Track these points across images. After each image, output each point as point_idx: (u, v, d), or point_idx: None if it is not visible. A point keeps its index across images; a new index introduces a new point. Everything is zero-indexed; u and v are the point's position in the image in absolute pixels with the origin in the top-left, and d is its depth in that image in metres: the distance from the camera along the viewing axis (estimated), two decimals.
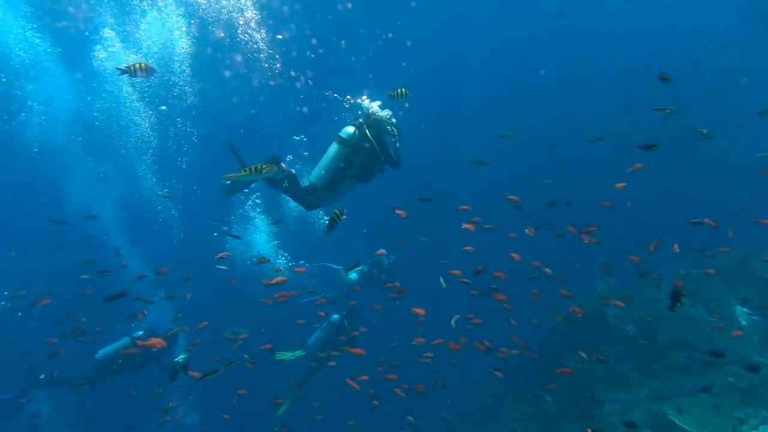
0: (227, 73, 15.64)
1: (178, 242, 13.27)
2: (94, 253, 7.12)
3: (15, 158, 15.26)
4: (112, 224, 13.41)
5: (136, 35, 10.75)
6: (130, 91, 11.09)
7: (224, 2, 10.48)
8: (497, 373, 6.54)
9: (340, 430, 10.73)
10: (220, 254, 6.77)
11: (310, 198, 6.04)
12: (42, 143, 13.36)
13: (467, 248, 6.87)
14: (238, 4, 10.45)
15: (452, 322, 6.50)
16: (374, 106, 5.88)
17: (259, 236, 11.59)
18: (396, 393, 6.64)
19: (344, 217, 4.09)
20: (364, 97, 6.02)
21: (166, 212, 12.89)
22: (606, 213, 6.71)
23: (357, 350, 6.00)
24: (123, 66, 4.29)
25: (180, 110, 12.31)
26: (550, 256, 7.28)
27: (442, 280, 6.67)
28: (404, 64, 19.32)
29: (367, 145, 5.70)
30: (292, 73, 15.36)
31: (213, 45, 13.35)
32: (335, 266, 9.91)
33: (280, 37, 14.29)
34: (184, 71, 11.30)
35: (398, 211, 5.48)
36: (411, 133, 6.45)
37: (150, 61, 10.63)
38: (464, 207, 6.24)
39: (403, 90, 5.00)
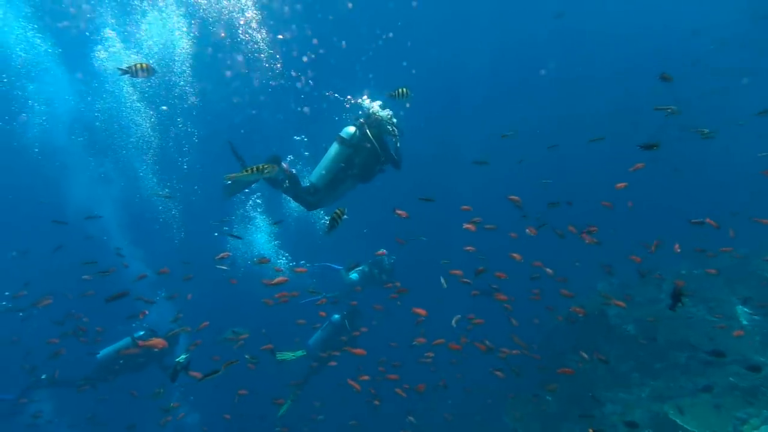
0: (228, 74, 15.64)
1: (179, 242, 13.28)
2: (95, 253, 7.12)
3: (16, 158, 15.28)
4: (113, 224, 13.42)
5: (137, 36, 10.76)
6: (130, 92, 11.10)
7: (225, 2, 10.49)
8: (498, 373, 6.54)
9: (341, 430, 10.74)
10: (221, 254, 6.77)
11: (310, 198, 6.03)
12: (43, 143, 13.37)
13: (468, 248, 6.87)
14: (238, 5, 10.45)
15: (453, 322, 6.50)
16: (375, 106, 5.88)
17: (259, 236, 11.60)
18: (397, 393, 6.64)
19: (345, 216, 4.09)
20: (365, 97, 6.02)
21: (167, 212, 12.90)
22: (607, 213, 6.71)
23: (358, 350, 6.00)
24: (124, 66, 4.29)
25: (181, 110, 12.32)
26: (551, 256, 7.27)
27: (443, 280, 6.66)
28: (405, 63, 19.32)
29: (369, 145, 5.69)
30: (293, 74, 15.37)
31: (214, 45, 13.36)
32: (336, 266, 9.91)
33: (280, 37, 14.29)
34: (185, 71, 11.31)
35: (399, 211, 5.48)
36: (412, 133, 6.45)
37: (151, 62, 10.63)
38: (465, 207, 6.24)
39: (404, 90, 5.00)
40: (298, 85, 15.40)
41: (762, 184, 15.46)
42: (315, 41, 16.48)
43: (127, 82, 10.94)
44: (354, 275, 9.49)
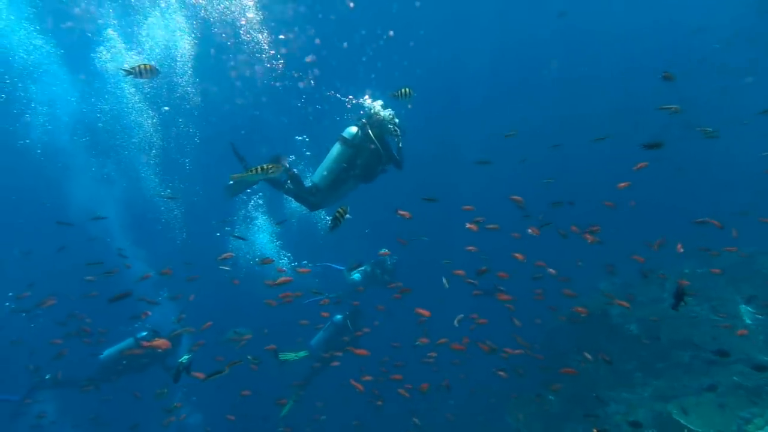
0: (233, 73, 15.65)
1: (181, 243, 13.30)
2: (98, 254, 7.13)
3: (19, 160, 15.32)
4: (115, 225, 13.44)
5: (139, 36, 10.78)
6: (132, 92, 11.12)
7: (226, 3, 10.50)
8: (501, 373, 6.53)
9: (343, 430, 10.74)
10: (224, 255, 6.77)
11: (312, 198, 6.03)
12: (45, 144, 13.40)
13: (470, 248, 6.87)
14: (240, 5, 10.46)
15: (455, 321, 6.49)
16: (376, 106, 5.87)
17: (261, 236, 11.60)
18: (400, 393, 6.64)
19: (347, 216, 4.08)
20: (366, 97, 6.01)
21: (169, 213, 12.92)
22: (609, 212, 6.69)
23: (361, 351, 6.00)
24: (128, 67, 4.30)
25: (183, 111, 12.34)
26: (553, 255, 7.25)
27: (444, 280, 6.66)
28: (406, 63, 19.31)
29: (372, 146, 5.68)
30: (294, 74, 15.37)
31: (215, 46, 13.37)
32: (338, 266, 9.91)
33: (282, 37, 14.30)
34: (187, 72, 11.33)
35: (401, 212, 5.47)
36: (413, 133, 6.43)
37: (153, 62, 10.65)
38: (467, 207, 6.23)
39: (407, 90, 4.98)
40: (301, 85, 15.41)
41: (766, 182, 15.42)
42: (317, 41, 16.48)
43: (129, 83, 10.95)
44: (356, 275, 9.49)
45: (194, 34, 10.98)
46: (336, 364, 7.74)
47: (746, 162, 17.37)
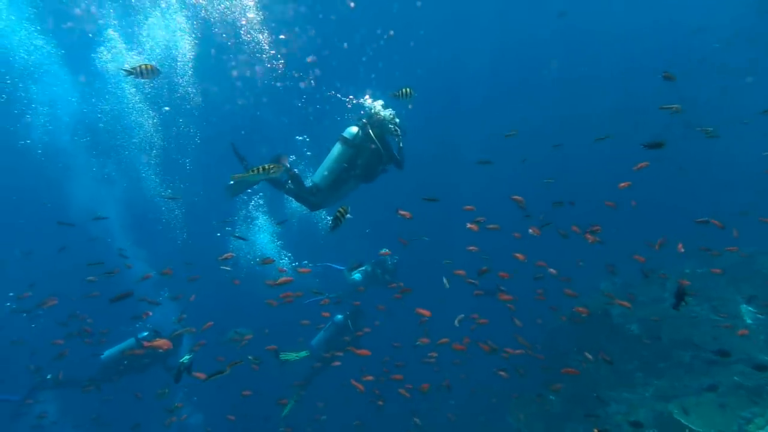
0: (234, 73, 15.66)
1: (182, 243, 13.30)
2: (98, 254, 7.14)
3: (20, 160, 15.33)
4: (116, 225, 13.45)
5: (141, 37, 10.78)
6: (133, 93, 11.13)
7: (227, 3, 10.50)
8: (502, 373, 6.53)
9: (344, 430, 10.74)
10: (225, 255, 6.77)
11: (313, 198, 6.03)
12: (46, 145, 13.41)
13: (471, 248, 6.87)
14: (240, 5, 10.46)
15: (456, 321, 6.49)
16: (377, 106, 5.87)
17: (262, 237, 11.60)
18: (400, 393, 6.64)
19: (348, 215, 4.08)
20: (367, 97, 6.01)
21: (170, 213, 12.93)
22: (610, 212, 6.69)
23: (362, 351, 6.00)
24: (129, 67, 4.30)
25: (183, 111, 12.34)
26: (554, 255, 7.26)
27: (445, 280, 6.66)
28: (407, 63, 19.30)
29: (373, 146, 5.68)
30: (295, 74, 15.38)
31: (216, 46, 13.38)
32: (338, 266, 9.91)
33: (282, 37, 14.31)
34: (187, 72, 11.33)
35: (402, 212, 5.47)
36: (414, 133, 6.44)
37: (153, 62, 10.65)
38: (468, 207, 6.23)
39: (408, 90, 4.98)
40: (302, 85, 15.42)
41: (766, 182, 15.41)
42: (319, 40, 16.49)
43: (130, 83, 10.96)
44: (357, 275, 9.50)
45: (195, 34, 10.98)
46: (337, 364, 7.74)
47: (747, 162, 17.38)
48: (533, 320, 9.36)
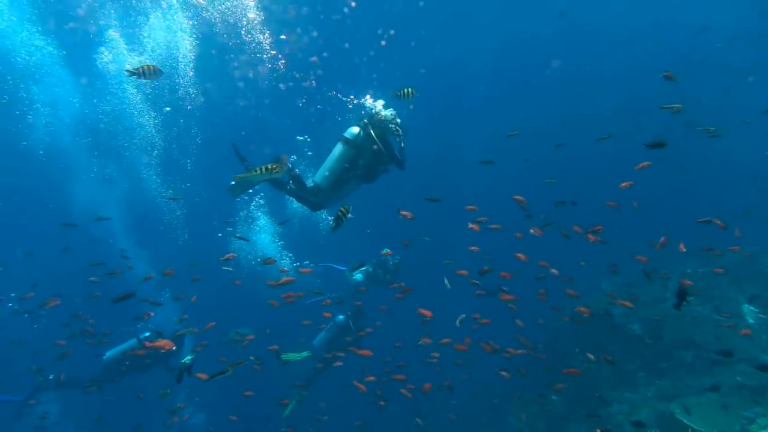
0: (236, 73, 15.67)
1: (183, 243, 13.32)
2: (100, 254, 7.15)
3: (21, 160, 15.35)
4: (117, 226, 13.47)
5: (141, 37, 10.79)
6: (134, 93, 11.14)
7: (228, 3, 10.51)
8: (504, 373, 6.53)
9: (346, 430, 10.75)
10: (226, 255, 6.78)
11: (314, 199, 6.03)
12: (48, 145, 13.43)
13: (473, 248, 6.86)
14: (241, 6, 10.47)
15: (457, 321, 6.49)
16: (378, 106, 5.87)
17: (263, 237, 11.61)
18: (402, 393, 6.64)
19: (350, 215, 4.08)
20: (368, 97, 6.01)
21: (172, 213, 12.94)
22: (612, 212, 6.68)
23: (364, 351, 5.99)
24: (132, 68, 4.31)
25: (184, 111, 12.35)
26: (556, 255, 7.25)
27: (446, 281, 6.65)
28: (408, 63, 19.30)
29: (375, 146, 5.67)
30: (295, 74, 15.38)
31: (217, 46, 13.38)
32: (339, 267, 9.92)
33: (283, 37, 14.32)
34: (188, 73, 11.34)
35: (404, 212, 5.46)
36: (415, 133, 6.43)
37: (155, 63, 10.66)
38: (470, 207, 6.22)
39: (409, 90, 4.98)
40: (305, 84, 15.42)
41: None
42: (320, 41, 16.49)
43: (131, 84, 10.97)
44: (358, 276, 9.50)
45: (195, 34, 10.99)
46: (338, 364, 7.74)
47: (749, 161, 17.36)
48: (535, 320, 9.36)
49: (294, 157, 8.81)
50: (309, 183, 6.03)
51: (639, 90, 19.00)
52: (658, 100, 6.16)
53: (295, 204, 6.68)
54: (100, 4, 11.51)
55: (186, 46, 10.96)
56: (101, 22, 11.41)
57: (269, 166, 3.97)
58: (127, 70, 4.35)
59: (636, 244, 7.77)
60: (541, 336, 10.11)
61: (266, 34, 10.92)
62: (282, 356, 8.13)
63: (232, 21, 10.76)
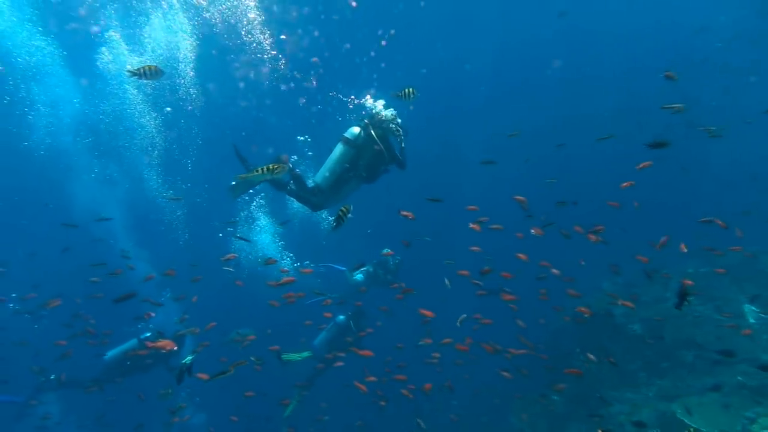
0: (238, 73, 15.67)
1: (184, 244, 13.32)
2: (101, 255, 7.15)
3: (22, 161, 15.37)
4: (118, 226, 13.47)
5: (142, 38, 10.80)
6: (135, 93, 11.15)
7: (228, 3, 10.51)
8: (505, 373, 6.52)
9: (347, 430, 10.75)
10: (227, 256, 6.78)
11: (314, 199, 6.02)
12: (48, 146, 13.44)
13: (474, 248, 6.86)
14: (242, 6, 10.47)
15: (458, 322, 6.49)
16: (379, 106, 5.87)
17: (264, 237, 11.62)
18: (403, 394, 6.63)
19: (350, 215, 4.08)
20: (368, 97, 6.01)
21: (172, 214, 12.94)
22: (613, 212, 6.68)
23: (365, 351, 5.99)
24: (134, 68, 4.31)
25: (185, 112, 12.36)
26: (557, 255, 7.25)
27: (447, 281, 6.66)
28: (409, 64, 19.29)
29: (376, 147, 5.67)
30: (296, 74, 15.39)
31: (217, 47, 13.39)
32: (339, 267, 9.92)
33: (283, 37, 14.32)
34: (188, 73, 11.35)
35: (405, 213, 5.46)
36: (416, 133, 6.43)
37: (156, 63, 10.65)
38: (471, 207, 6.22)
39: (411, 90, 4.97)
40: (306, 85, 15.42)
41: None
42: (322, 41, 16.49)
43: (132, 84, 10.98)
44: (359, 276, 9.50)
45: (196, 35, 11.00)
46: (339, 364, 7.75)
47: (749, 161, 17.34)
48: (536, 320, 9.35)
49: (295, 157, 8.81)
50: (309, 183, 6.03)
51: (639, 90, 18.98)
52: (659, 100, 6.15)
53: (296, 204, 6.68)
54: (101, 4, 11.52)
55: (186, 47, 10.97)
56: (102, 23, 11.42)
57: (271, 166, 3.97)
58: (129, 71, 4.35)
59: (637, 244, 7.77)
60: (543, 336, 10.11)
61: (267, 35, 10.92)
62: (283, 356, 8.14)
63: (232, 21, 10.77)
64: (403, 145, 5.86)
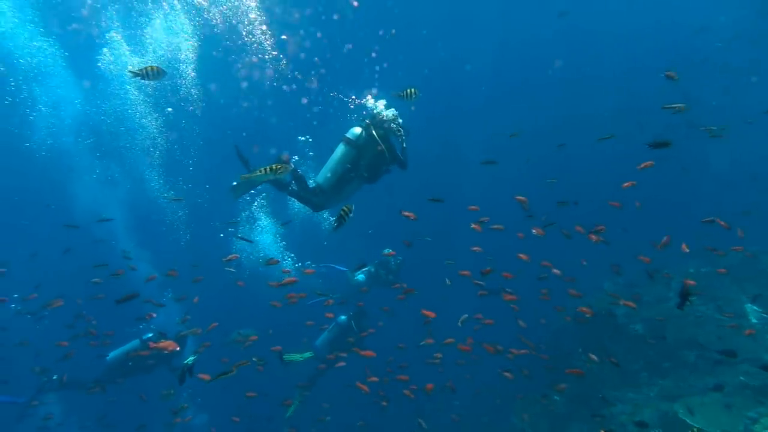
0: (238, 74, 15.69)
1: (185, 244, 13.33)
2: (102, 255, 7.16)
3: (23, 162, 15.39)
4: (120, 227, 13.49)
5: (144, 39, 10.81)
6: (136, 94, 11.16)
7: (229, 4, 10.52)
8: (506, 374, 6.52)
9: (349, 431, 10.75)
10: (229, 256, 6.78)
11: (316, 199, 6.03)
12: (50, 147, 13.46)
13: (475, 248, 6.86)
14: (243, 7, 10.48)
15: (459, 322, 6.49)
16: (380, 106, 5.87)
17: (265, 237, 11.62)
18: (405, 394, 6.64)
19: (351, 215, 4.09)
20: (369, 97, 6.01)
21: (174, 214, 12.96)
22: (614, 212, 6.68)
23: (366, 352, 6.00)
24: (136, 69, 4.32)
25: (186, 112, 12.37)
26: (558, 255, 7.25)
27: (447, 281, 6.66)
28: (409, 64, 19.29)
29: (379, 147, 5.68)
30: (297, 75, 15.40)
31: (218, 47, 13.41)
32: (340, 267, 9.93)
33: (284, 37, 14.33)
34: (189, 74, 11.36)
35: (406, 213, 5.47)
36: (417, 133, 6.43)
37: (157, 64, 10.66)
38: (472, 207, 6.23)
39: (412, 90, 4.98)
40: (307, 85, 15.43)
41: None
42: (324, 41, 16.51)
43: (133, 85, 10.99)
44: (360, 276, 9.51)
45: (197, 35, 11.01)
46: (341, 364, 7.75)
47: (750, 161, 17.32)
48: (537, 320, 9.35)
49: (296, 157, 8.82)
50: (311, 184, 6.03)
51: (640, 90, 18.97)
52: (659, 100, 6.15)
53: (297, 205, 6.69)
54: (102, 5, 11.54)
55: (188, 48, 10.98)
56: (103, 24, 11.44)
57: (274, 167, 3.97)
58: (131, 71, 4.36)
59: (638, 244, 7.76)
60: (544, 336, 10.10)
61: (268, 35, 10.93)
62: (284, 357, 8.14)
63: (234, 22, 10.78)
64: (404, 145, 5.87)
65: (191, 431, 10.34)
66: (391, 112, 5.83)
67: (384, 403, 7.50)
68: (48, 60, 11.53)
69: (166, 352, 7.07)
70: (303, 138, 9.55)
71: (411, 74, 19.34)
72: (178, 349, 7.02)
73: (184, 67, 11.19)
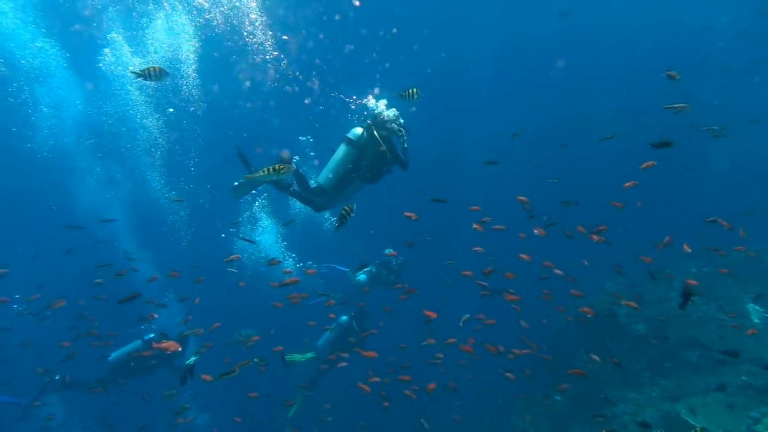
0: (240, 75, 15.71)
1: (187, 245, 13.35)
2: (104, 256, 7.17)
3: (25, 162, 15.42)
4: (121, 227, 13.51)
5: (145, 39, 10.83)
6: (137, 95, 11.18)
7: (230, 5, 10.54)
8: (508, 374, 6.52)
9: (350, 431, 10.75)
10: (231, 257, 6.79)
11: (318, 199, 6.03)
12: (52, 147, 13.49)
13: (476, 249, 6.86)
14: (244, 7, 10.50)
15: (461, 322, 6.49)
16: (381, 106, 5.87)
17: (267, 238, 11.63)
18: (406, 394, 6.63)
19: (353, 214, 4.09)
20: (370, 97, 6.02)
21: (175, 215, 12.97)
22: (616, 212, 6.67)
23: (368, 352, 6.00)
24: (138, 69, 4.32)
25: (187, 113, 12.39)
26: (560, 256, 7.24)
27: (447, 281, 6.67)
28: (410, 64, 19.30)
29: (381, 148, 5.68)
30: (298, 75, 15.40)
31: (219, 48, 13.42)
32: (341, 268, 9.92)
33: (285, 38, 14.35)
34: (190, 74, 11.37)
35: (408, 213, 5.47)
36: (418, 133, 6.44)
37: (158, 65, 10.68)
38: (474, 207, 6.22)
39: (414, 90, 4.98)
40: (309, 84, 15.44)
41: None
42: (326, 41, 16.52)
43: (134, 86, 11.01)
44: (362, 276, 9.50)
45: (198, 36, 11.02)
46: (343, 365, 7.75)
47: (751, 161, 17.30)
48: (539, 321, 9.34)
49: (297, 157, 8.82)
50: (312, 184, 6.04)
51: (641, 90, 18.95)
52: (661, 100, 6.15)
53: (298, 205, 6.69)
54: (104, 6, 11.56)
55: (189, 48, 10.99)
56: (105, 25, 11.46)
57: (276, 167, 3.97)
58: (133, 72, 4.37)
59: (640, 244, 7.75)
60: (546, 336, 10.10)
61: (269, 36, 10.94)
62: (286, 357, 8.14)
63: (235, 23, 10.79)
64: (405, 145, 5.87)
65: (193, 431, 10.35)
66: (392, 113, 5.83)
67: (386, 404, 7.49)
68: (50, 61, 11.55)
69: (168, 352, 7.07)
70: (304, 138, 9.56)
71: (412, 74, 19.34)
72: (179, 349, 7.02)
73: (185, 67, 11.20)
